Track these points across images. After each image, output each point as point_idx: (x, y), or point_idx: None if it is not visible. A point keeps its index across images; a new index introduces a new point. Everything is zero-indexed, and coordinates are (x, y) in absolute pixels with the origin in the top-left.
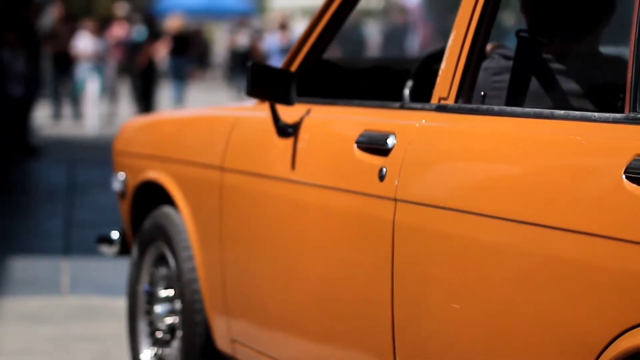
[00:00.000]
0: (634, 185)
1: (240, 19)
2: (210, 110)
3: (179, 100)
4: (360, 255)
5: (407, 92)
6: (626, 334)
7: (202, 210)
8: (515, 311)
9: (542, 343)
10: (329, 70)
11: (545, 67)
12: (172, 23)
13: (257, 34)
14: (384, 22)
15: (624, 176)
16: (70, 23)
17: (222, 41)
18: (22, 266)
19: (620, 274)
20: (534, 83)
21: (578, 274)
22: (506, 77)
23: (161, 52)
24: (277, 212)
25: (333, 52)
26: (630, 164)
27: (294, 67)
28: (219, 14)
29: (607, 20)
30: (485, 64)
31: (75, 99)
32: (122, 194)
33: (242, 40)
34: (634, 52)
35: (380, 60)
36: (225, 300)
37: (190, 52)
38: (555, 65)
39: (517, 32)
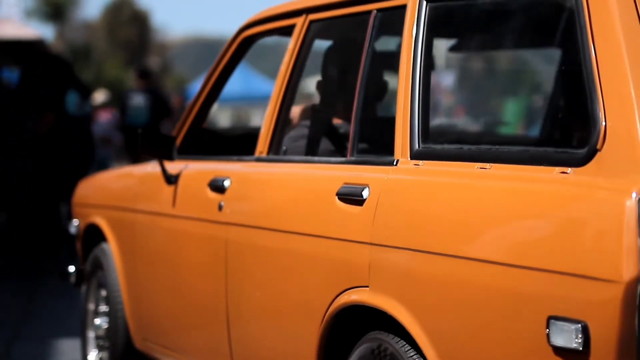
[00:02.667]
0: (342, 202)
1: None
2: (132, 168)
3: None
4: (209, 265)
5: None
6: (339, 296)
7: (124, 244)
8: (285, 291)
9: (299, 307)
10: (205, 135)
11: (332, 131)
12: (175, 101)
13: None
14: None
15: (336, 197)
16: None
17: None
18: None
19: (331, 260)
20: (323, 142)
21: (306, 261)
22: (303, 142)
23: None
24: (165, 240)
25: None
26: (340, 189)
27: (181, 134)
28: (254, 99)
29: (381, 97)
30: (292, 132)
31: None
32: (76, 236)
33: None
34: (356, 109)
35: (248, 128)
36: (138, 309)
37: None
38: (343, 129)
39: (313, 107)
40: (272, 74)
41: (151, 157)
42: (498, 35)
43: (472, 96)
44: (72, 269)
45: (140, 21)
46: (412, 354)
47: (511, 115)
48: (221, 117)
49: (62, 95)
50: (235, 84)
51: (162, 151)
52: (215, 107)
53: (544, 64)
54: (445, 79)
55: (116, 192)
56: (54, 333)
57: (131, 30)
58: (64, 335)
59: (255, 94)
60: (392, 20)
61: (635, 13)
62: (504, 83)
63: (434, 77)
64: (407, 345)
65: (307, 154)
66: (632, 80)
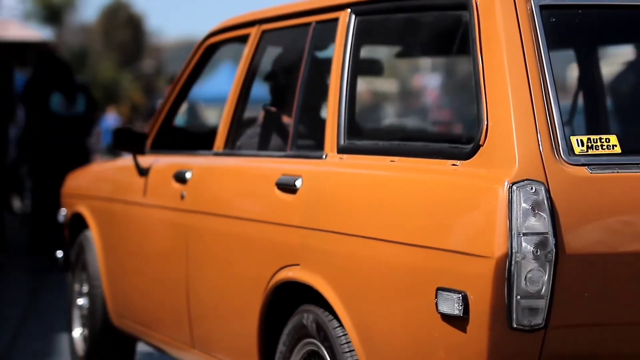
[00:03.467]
0: (279, 191)
1: None
2: (113, 162)
3: None
4: (173, 249)
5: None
6: (277, 273)
7: (103, 230)
8: (233, 270)
9: (244, 284)
10: (174, 132)
11: (281, 128)
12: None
13: None
14: (400, 106)
15: (275, 186)
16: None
17: None
18: None
19: (270, 241)
20: (273, 138)
21: (250, 243)
22: (256, 139)
23: None
24: (137, 227)
25: None
26: (278, 179)
27: (153, 131)
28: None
29: (323, 99)
30: (249, 130)
31: None
32: (63, 224)
33: None
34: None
35: (211, 127)
36: (115, 290)
37: None
38: (289, 127)
39: (263, 106)
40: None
41: (125, 152)
42: (415, 44)
43: (459, 97)
44: (60, 253)
45: (135, 24)
46: (336, 324)
47: None
48: (211, 116)
49: (45, 95)
50: (227, 84)
51: (135, 147)
52: (202, 107)
53: None
54: (431, 82)
55: (97, 183)
56: (57, 329)
57: (126, 33)
58: (68, 331)
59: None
60: (328, 31)
61: (518, 31)
62: None
63: (420, 80)
64: (330, 315)
65: (258, 149)
66: (510, 89)
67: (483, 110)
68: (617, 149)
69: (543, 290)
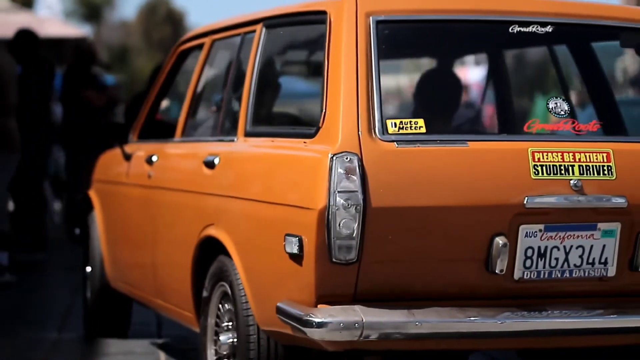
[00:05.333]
0: (204, 167)
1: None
2: (115, 149)
3: None
4: (144, 219)
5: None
6: (202, 232)
7: (103, 208)
8: (176, 231)
9: (183, 240)
10: (155, 125)
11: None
12: None
13: None
14: None
15: (203, 164)
16: None
17: None
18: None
19: (198, 207)
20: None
21: (187, 209)
22: (204, 127)
23: None
24: (121, 202)
25: None
26: (205, 158)
27: (139, 124)
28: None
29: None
30: (205, 122)
31: None
32: (79, 205)
33: None
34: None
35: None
36: (110, 256)
37: None
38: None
39: (215, 103)
40: (296, 73)
41: (112, 142)
42: (303, 51)
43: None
44: (77, 231)
45: (175, 21)
46: (235, 269)
47: (541, 111)
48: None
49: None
50: None
51: (120, 137)
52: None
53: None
54: (474, 75)
55: (101, 168)
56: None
57: (166, 30)
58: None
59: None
60: (251, 41)
61: (355, 41)
62: (534, 79)
63: (465, 73)
64: (232, 262)
65: (203, 135)
66: (342, 85)
67: (324, 101)
68: (423, 130)
69: (354, 234)
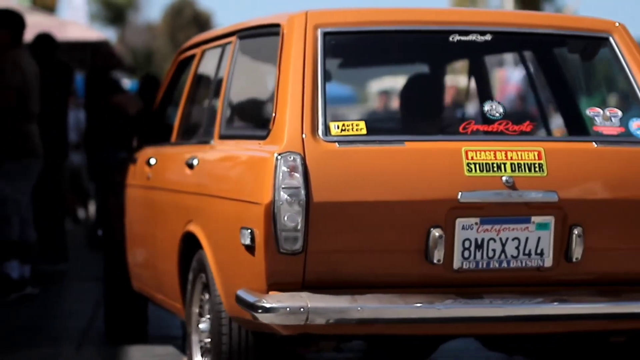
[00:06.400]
0: (186, 168)
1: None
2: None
3: None
4: (147, 217)
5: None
6: (185, 227)
7: (127, 209)
8: (168, 227)
9: (172, 235)
10: (160, 129)
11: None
12: None
13: None
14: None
15: (185, 165)
16: None
17: None
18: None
19: (182, 205)
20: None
21: (174, 207)
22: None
23: None
24: (132, 203)
25: None
26: (187, 160)
27: (146, 129)
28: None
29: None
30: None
31: None
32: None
33: None
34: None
35: None
36: (133, 258)
37: None
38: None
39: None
40: (344, 79)
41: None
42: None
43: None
44: (100, 232)
45: (201, 23)
46: (209, 263)
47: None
48: None
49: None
50: None
51: (124, 144)
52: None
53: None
54: (514, 75)
55: (126, 173)
56: (120, 341)
57: (192, 32)
58: (130, 341)
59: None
60: (229, 52)
61: (303, 51)
62: (579, 81)
63: (504, 74)
64: (207, 256)
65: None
66: (290, 91)
67: (274, 105)
68: (364, 131)
69: (299, 227)
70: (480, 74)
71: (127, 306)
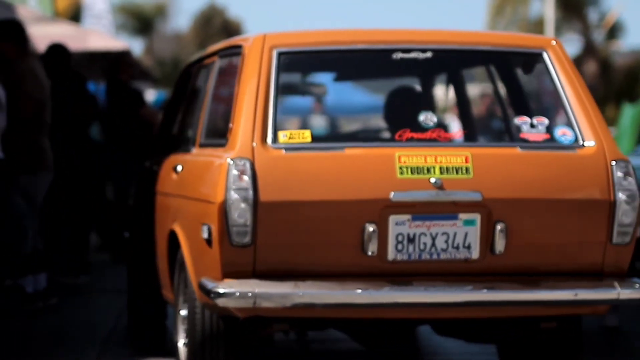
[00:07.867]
0: (173, 173)
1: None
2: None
3: None
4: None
5: None
6: (172, 225)
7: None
8: (163, 225)
9: (164, 231)
10: (168, 140)
11: None
12: None
13: None
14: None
15: (173, 171)
16: None
17: None
18: None
19: (171, 206)
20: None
21: (168, 208)
22: None
23: None
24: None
25: None
26: (174, 166)
27: (155, 139)
28: (348, 109)
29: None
30: None
31: None
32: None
33: None
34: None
35: None
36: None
37: None
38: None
39: None
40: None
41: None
42: None
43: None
44: (126, 234)
45: (231, 31)
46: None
47: (628, 120)
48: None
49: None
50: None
51: (138, 153)
52: None
53: None
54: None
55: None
56: (142, 353)
57: (222, 40)
58: (152, 353)
59: (349, 105)
60: (212, 69)
61: (259, 68)
62: (621, 87)
63: (539, 81)
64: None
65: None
66: (245, 104)
67: (231, 117)
68: (308, 139)
69: (248, 222)
70: (457, 86)
71: (151, 314)
